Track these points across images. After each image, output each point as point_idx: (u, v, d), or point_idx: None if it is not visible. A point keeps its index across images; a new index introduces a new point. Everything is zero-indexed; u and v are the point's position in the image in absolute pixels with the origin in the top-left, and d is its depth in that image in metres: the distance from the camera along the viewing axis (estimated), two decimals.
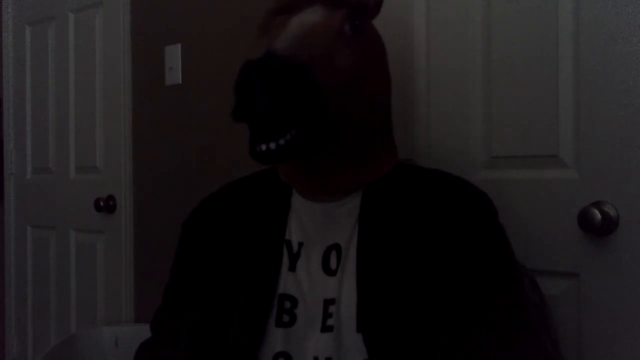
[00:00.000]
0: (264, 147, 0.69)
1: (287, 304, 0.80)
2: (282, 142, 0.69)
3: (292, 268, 0.82)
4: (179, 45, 1.70)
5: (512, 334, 0.76)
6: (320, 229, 0.83)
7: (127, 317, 1.84)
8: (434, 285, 0.76)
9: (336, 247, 0.81)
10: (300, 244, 0.83)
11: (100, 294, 1.94)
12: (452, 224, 0.78)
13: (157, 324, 0.95)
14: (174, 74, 1.71)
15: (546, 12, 1.03)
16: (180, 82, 1.70)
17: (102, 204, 1.88)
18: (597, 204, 0.95)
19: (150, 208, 1.81)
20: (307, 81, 0.68)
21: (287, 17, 0.81)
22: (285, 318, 0.79)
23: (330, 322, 0.78)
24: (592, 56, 0.98)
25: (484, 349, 0.74)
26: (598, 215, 0.94)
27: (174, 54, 1.71)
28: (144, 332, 0.97)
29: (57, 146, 2.11)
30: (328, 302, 0.79)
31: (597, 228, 0.94)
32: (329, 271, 0.80)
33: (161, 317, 0.95)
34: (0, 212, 2.35)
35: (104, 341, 1.66)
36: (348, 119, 0.78)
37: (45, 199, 2.16)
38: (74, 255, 2.05)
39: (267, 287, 0.80)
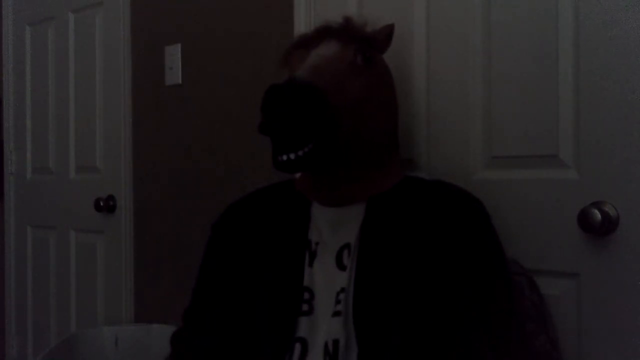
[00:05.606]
0: (285, 157, 0.81)
1: (307, 295, 0.90)
2: (300, 153, 0.80)
3: (310, 264, 0.92)
4: (179, 45, 1.70)
5: (500, 330, 0.84)
6: (333, 231, 0.92)
7: (127, 317, 1.83)
8: (426, 279, 0.84)
9: (348, 245, 0.90)
10: (317, 244, 0.92)
11: (100, 294, 1.94)
12: (447, 226, 0.87)
13: (189, 318, 1.01)
14: (174, 74, 1.71)
15: (546, 12, 1.03)
16: (180, 82, 1.70)
17: (102, 204, 1.89)
18: (597, 204, 0.95)
19: (150, 208, 1.81)
20: (322, 103, 0.80)
21: (306, 50, 0.93)
22: (305, 307, 0.89)
23: (338, 307, 0.87)
24: (592, 56, 0.98)
25: (473, 344, 0.83)
26: (598, 215, 0.94)
27: (174, 54, 1.71)
28: (144, 332, 0.97)
29: (57, 146, 2.11)
30: (339, 292, 0.88)
31: (597, 228, 0.94)
32: (342, 267, 0.90)
33: (192, 312, 1.02)
34: (0, 212, 2.35)
35: (104, 341, 1.66)
36: (358, 138, 0.88)
37: (45, 199, 2.16)
38: (74, 255, 2.05)
39: (295, 280, 0.91)
